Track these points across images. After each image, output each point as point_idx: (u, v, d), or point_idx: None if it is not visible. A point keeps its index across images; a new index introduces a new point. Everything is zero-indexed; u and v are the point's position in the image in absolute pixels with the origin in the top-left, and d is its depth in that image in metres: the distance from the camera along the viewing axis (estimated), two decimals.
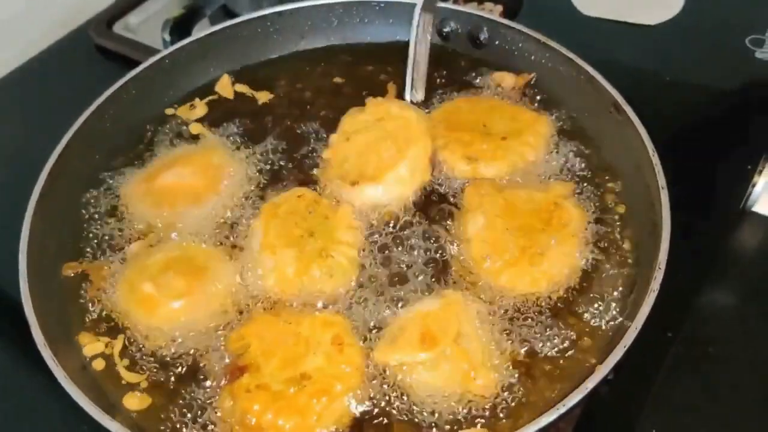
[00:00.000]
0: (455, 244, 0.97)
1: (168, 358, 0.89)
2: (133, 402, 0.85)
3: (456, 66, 1.22)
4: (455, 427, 0.81)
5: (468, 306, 0.89)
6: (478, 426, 0.82)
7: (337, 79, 1.22)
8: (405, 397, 0.84)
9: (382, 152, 1.02)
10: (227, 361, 0.87)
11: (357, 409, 0.83)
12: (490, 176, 1.03)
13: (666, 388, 0.97)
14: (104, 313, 0.93)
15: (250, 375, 0.83)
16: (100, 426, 0.78)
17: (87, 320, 0.93)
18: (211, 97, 1.20)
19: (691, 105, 1.31)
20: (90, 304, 0.94)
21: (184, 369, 0.88)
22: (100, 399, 0.82)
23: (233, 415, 0.82)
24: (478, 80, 1.19)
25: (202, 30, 1.27)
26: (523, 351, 0.87)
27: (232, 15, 1.43)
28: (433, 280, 0.94)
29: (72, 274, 0.97)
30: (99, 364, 0.89)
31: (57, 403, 0.83)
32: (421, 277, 0.94)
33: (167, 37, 1.38)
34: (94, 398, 0.80)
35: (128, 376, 0.87)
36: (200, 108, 1.17)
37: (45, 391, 0.94)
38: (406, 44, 1.17)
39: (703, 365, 1.00)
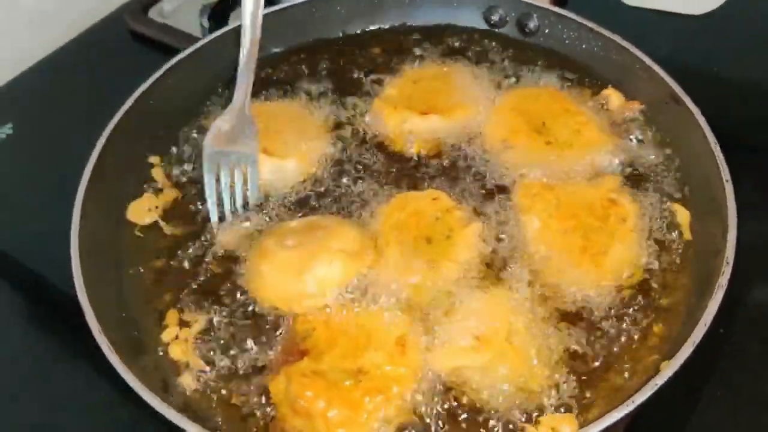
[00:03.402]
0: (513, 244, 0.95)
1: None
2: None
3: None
4: (516, 426, 0.80)
5: (516, 302, 0.88)
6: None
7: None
8: (462, 400, 0.82)
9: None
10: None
11: (410, 413, 0.81)
12: (512, 164, 1.02)
13: (718, 387, 0.95)
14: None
15: (309, 359, 0.82)
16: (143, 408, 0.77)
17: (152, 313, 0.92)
18: None
19: (738, 97, 1.29)
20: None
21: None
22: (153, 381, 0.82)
23: (286, 395, 0.81)
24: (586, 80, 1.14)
25: (238, 17, 1.25)
26: (583, 347, 0.86)
27: (269, 1, 1.41)
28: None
29: None
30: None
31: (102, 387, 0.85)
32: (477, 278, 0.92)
33: (205, 24, 1.36)
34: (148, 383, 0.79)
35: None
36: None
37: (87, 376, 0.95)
38: (450, 27, 1.17)
39: (754, 362, 0.98)
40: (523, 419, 0.80)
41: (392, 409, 0.79)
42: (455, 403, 0.82)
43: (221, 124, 1.00)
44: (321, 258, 0.90)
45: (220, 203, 0.99)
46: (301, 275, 0.89)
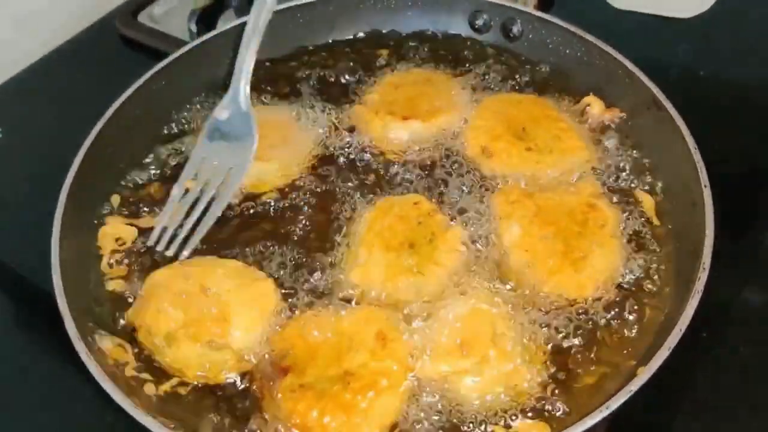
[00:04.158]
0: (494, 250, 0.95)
1: None
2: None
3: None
4: (502, 426, 0.81)
5: (499, 307, 0.88)
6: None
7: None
8: (451, 400, 0.83)
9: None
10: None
11: (404, 406, 0.81)
12: (492, 169, 1.02)
13: (701, 391, 0.96)
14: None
15: (293, 375, 0.82)
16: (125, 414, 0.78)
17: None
18: None
19: (727, 100, 1.29)
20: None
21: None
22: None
23: (279, 415, 0.80)
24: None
25: (227, 21, 1.26)
26: (563, 350, 0.86)
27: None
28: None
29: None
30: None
31: (82, 391, 0.84)
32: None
33: (193, 28, 1.37)
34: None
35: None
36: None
37: (71, 380, 0.93)
38: (434, 32, 1.18)
39: (737, 367, 0.99)
40: (503, 423, 0.80)
41: (386, 404, 0.79)
42: (438, 408, 0.82)
43: (218, 113, 0.99)
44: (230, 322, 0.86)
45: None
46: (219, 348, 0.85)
